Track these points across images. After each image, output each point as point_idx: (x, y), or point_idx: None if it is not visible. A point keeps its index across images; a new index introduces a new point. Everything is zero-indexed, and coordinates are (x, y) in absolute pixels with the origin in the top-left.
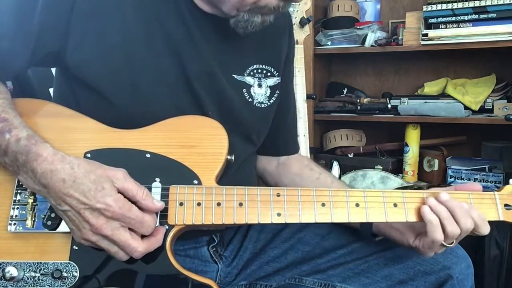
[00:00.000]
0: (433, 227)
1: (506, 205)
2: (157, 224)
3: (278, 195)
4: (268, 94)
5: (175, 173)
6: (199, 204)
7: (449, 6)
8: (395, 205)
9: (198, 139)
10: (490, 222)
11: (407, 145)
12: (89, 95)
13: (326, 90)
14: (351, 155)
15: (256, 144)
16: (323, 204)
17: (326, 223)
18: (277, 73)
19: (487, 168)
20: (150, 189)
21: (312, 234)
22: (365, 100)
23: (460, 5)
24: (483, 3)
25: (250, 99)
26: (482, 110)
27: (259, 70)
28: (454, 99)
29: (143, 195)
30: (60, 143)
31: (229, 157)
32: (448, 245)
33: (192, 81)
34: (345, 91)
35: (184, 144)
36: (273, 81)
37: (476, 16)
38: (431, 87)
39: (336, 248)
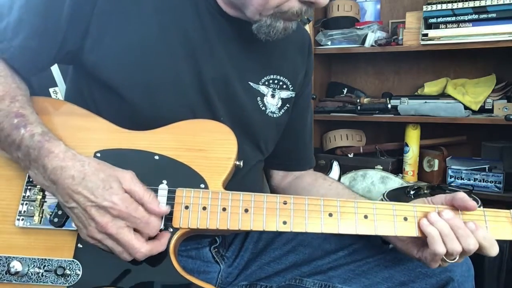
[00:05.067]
0: (433, 239)
1: None
2: (162, 227)
3: (285, 203)
4: (279, 105)
5: (183, 176)
6: (204, 208)
7: (449, 6)
8: (405, 218)
9: (208, 143)
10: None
11: (407, 145)
12: (105, 93)
13: (326, 90)
14: (351, 155)
15: (264, 153)
16: (330, 214)
17: None
18: (292, 87)
19: (487, 168)
20: (156, 191)
21: (313, 236)
22: (365, 100)
23: (460, 5)
24: (483, 3)
25: (263, 108)
26: (482, 110)
27: (275, 81)
28: (454, 99)
29: (149, 198)
30: (72, 141)
31: (237, 163)
32: (450, 261)
33: (206, 85)
34: (345, 91)
35: (193, 148)
36: (287, 94)
37: (476, 16)
38: (431, 87)
39: (337, 250)
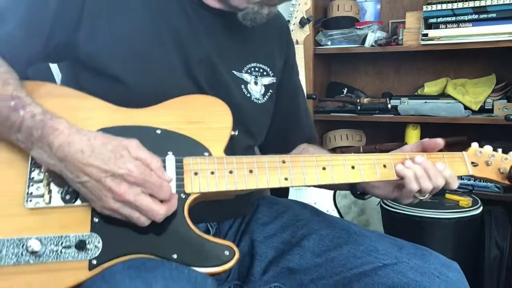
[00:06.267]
0: (409, 180)
1: (472, 162)
2: (174, 191)
3: (284, 162)
4: (262, 92)
5: (186, 146)
6: (212, 173)
7: (449, 6)
8: (384, 166)
9: (204, 115)
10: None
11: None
12: (103, 82)
13: (326, 90)
14: None
15: (257, 139)
16: (324, 168)
17: (318, 222)
18: (272, 74)
19: None
20: (164, 161)
21: (297, 236)
22: (365, 100)
23: (460, 5)
24: (483, 3)
25: (248, 95)
26: (482, 110)
27: (256, 69)
28: (454, 99)
29: (157, 164)
30: (70, 122)
31: (232, 132)
32: (421, 197)
33: (197, 75)
34: (345, 91)
35: (191, 121)
36: (268, 80)
37: (476, 16)
38: (431, 87)
39: (315, 254)
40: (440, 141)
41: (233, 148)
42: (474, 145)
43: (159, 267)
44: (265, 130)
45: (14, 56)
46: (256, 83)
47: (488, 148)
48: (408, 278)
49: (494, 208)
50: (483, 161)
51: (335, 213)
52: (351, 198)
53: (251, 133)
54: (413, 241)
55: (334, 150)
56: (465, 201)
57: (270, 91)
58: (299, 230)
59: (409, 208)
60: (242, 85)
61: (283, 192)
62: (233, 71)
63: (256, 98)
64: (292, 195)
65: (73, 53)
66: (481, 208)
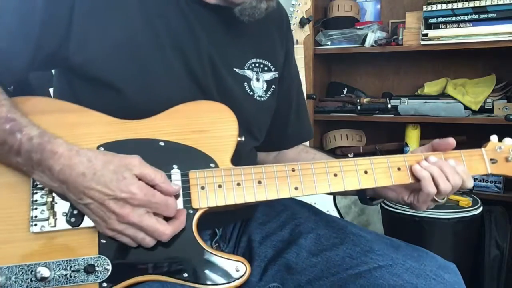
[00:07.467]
0: (426, 181)
1: (491, 159)
2: (181, 207)
3: (293, 170)
4: (265, 88)
5: (191, 158)
6: (220, 186)
7: (449, 6)
8: (399, 168)
9: (209, 123)
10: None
11: (407, 145)
12: (96, 90)
13: (326, 90)
14: (351, 155)
15: (258, 139)
16: (335, 175)
17: (315, 221)
18: (273, 68)
19: None
20: (169, 176)
21: (298, 236)
22: (365, 100)
23: (460, 5)
24: (483, 3)
25: (251, 93)
26: (482, 110)
27: (257, 64)
28: (454, 99)
29: (161, 178)
30: (70, 139)
31: (239, 139)
32: (439, 201)
33: (197, 74)
34: (345, 91)
35: (195, 130)
36: (270, 75)
37: (476, 16)
38: (431, 87)
39: (312, 253)
40: (452, 141)
41: (237, 152)
42: (494, 138)
43: None
44: (265, 129)
45: (1, 70)
46: (258, 79)
47: (508, 142)
48: (403, 280)
49: (494, 208)
50: (503, 157)
51: (335, 213)
52: (351, 198)
53: (253, 134)
54: (413, 241)
55: (334, 150)
56: (465, 201)
57: (273, 86)
58: (297, 228)
59: (409, 208)
60: (245, 83)
61: None
62: (234, 69)
63: (259, 96)
64: None
65: (64, 61)
66: (481, 208)
